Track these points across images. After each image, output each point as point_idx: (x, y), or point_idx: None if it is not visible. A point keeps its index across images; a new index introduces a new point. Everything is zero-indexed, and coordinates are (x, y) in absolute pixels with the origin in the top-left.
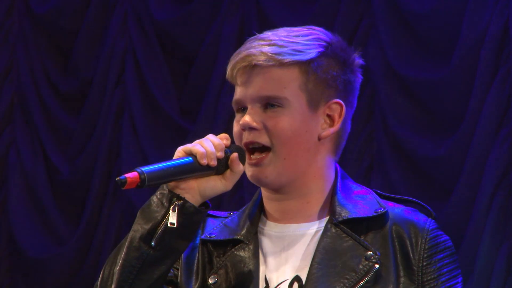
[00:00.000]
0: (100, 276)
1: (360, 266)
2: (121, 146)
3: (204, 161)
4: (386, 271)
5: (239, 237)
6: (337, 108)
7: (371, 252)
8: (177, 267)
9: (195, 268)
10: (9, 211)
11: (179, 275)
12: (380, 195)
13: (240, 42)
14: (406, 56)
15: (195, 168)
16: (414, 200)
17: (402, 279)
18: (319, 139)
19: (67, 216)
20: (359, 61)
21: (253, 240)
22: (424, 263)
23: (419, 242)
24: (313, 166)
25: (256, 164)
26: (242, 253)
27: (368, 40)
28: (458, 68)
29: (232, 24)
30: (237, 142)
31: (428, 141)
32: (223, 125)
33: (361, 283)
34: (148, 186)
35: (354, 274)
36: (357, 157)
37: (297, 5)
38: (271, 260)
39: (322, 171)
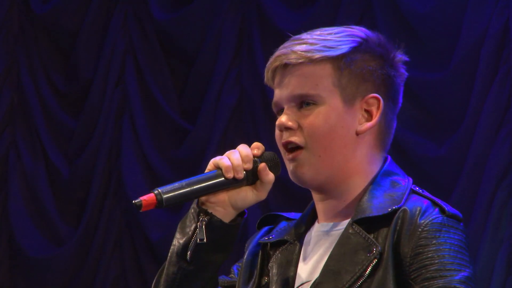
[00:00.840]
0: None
1: (364, 262)
2: (121, 146)
3: (229, 175)
4: (385, 264)
5: (285, 237)
6: (375, 102)
7: (374, 247)
8: (240, 270)
9: (255, 271)
10: (10, 211)
11: (238, 279)
12: (411, 191)
13: (240, 42)
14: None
15: (221, 183)
16: (439, 201)
17: (396, 270)
18: (357, 134)
19: (67, 216)
20: (401, 57)
21: (298, 240)
22: (417, 251)
23: (416, 233)
24: (351, 161)
25: (293, 159)
26: (286, 254)
27: None
28: (458, 68)
29: (232, 24)
30: (278, 145)
31: (428, 141)
32: (223, 125)
33: (362, 278)
34: (167, 206)
35: (356, 270)
36: None
37: (297, 5)
38: (307, 261)
39: (362, 166)
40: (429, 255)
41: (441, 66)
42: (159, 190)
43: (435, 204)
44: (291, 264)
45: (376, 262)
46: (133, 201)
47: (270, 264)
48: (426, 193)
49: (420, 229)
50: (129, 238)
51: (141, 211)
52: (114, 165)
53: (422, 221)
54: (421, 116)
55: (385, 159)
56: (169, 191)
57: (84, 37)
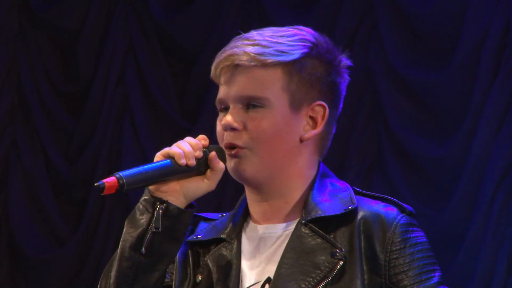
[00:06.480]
0: None
1: (326, 264)
2: (121, 146)
3: (182, 161)
4: (351, 267)
5: (222, 236)
6: (320, 110)
7: (337, 249)
8: (172, 271)
9: (188, 270)
10: (10, 211)
11: (174, 279)
12: (356, 192)
13: None
14: (407, 56)
15: (174, 170)
16: (390, 198)
17: (367, 273)
18: (301, 140)
19: (67, 216)
20: (346, 62)
21: (236, 239)
22: (393, 256)
23: (387, 236)
24: (292, 166)
25: (234, 155)
26: (224, 252)
27: (370, 40)
28: (459, 68)
29: (232, 24)
30: (219, 142)
31: (429, 141)
32: None
33: (326, 280)
34: (127, 190)
35: (319, 271)
36: (358, 157)
37: (298, 5)
38: (248, 261)
39: (303, 172)
40: (407, 260)
41: (442, 66)
42: (120, 175)
43: (389, 202)
44: (232, 262)
45: (342, 265)
46: (95, 184)
47: (203, 262)
48: (369, 192)
49: (390, 233)
50: None
51: (102, 194)
52: (114, 165)
53: (389, 225)
54: (422, 116)
55: (319, 163)
56: (130, 175)
57: (84, 37)
